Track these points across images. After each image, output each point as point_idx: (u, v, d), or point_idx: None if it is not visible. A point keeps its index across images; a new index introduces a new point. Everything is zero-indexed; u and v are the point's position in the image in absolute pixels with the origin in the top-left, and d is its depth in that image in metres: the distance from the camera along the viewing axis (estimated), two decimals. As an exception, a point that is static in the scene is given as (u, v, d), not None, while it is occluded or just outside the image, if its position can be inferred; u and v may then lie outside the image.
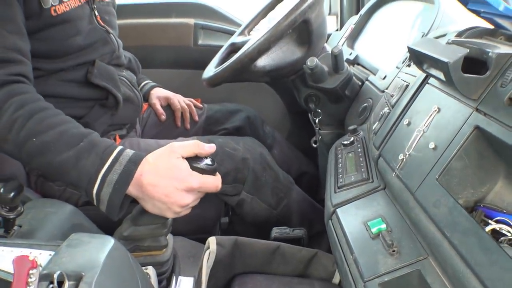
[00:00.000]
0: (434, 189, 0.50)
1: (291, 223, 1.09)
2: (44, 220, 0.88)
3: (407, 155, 0.58)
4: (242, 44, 1.20)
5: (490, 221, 0.46)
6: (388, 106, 0.74)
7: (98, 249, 0.57)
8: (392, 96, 0.75)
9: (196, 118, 1.28)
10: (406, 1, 1.24)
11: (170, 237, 0.84)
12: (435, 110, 0.55)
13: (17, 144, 0.75)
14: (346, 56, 1.29)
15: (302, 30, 0.97)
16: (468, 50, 0.49)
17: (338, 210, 0.68)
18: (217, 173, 0.75)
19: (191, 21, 1.54)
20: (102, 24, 1.04)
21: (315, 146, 1.15)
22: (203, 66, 1.32)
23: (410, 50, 0.57)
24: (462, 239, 0.43)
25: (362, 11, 1.39)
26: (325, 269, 0.80)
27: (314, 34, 1.00)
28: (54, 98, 0.92)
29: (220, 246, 0.75)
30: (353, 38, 1.37)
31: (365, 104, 1.01)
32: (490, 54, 0.49)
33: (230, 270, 0.79)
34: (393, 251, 0.54)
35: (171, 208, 0.72)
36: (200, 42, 1.55)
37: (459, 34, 0.59)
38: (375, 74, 1.10)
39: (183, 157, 0.72)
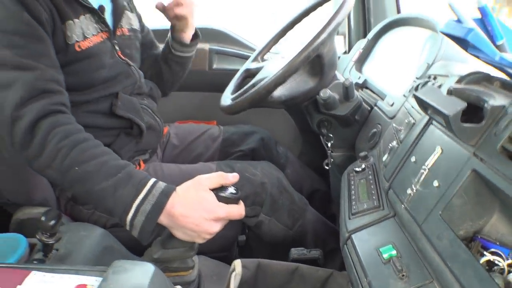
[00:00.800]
0: (437, 223, 0.59)
1: (306, 242, 1.17)
2: (79, 244, 0.97)
3: (414, 190, 0.67)
4: (256, 70, 1.30)
5: (485, 252, 0.54)
6: (396, 140, 0.83)
7: (142, 275, 0.66)
8: (400, 130, 0.84)
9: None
10: (411, 27, 1.33)
11: (195, 257, 0.93)
12: (439, 152, 0.64)
13: (61, 172, 0.84)
14: (355, 80, 1.38)
15: (315, 63, 1.07)
16: (466, 104, 0.57)
17: (352, 236, 0.77)
18: (241, 201, 0.84)
19: (206, 46, 1.64)
20: (123, 58, 1.13)
21: (327, 168, 1.24)
22: (218, 89, 1.42)
23: (416, 97, 0.66)
24: (461, 269, 0.52)
25: (370, 35, 1.48)
26: (341, 288, 0.89)
27: (326, 66, 1.09)
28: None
29: (245, 268, 0.84)
30: (361, 62, 1.46)
31: (374, 130, 1.10)
32: (485, 105, 0.58)
33: (253, 289, 0.87)
34: (403, 275, 0.63)
35: (201, 236, 0.81)
36: (214, 66, 1.66)
37: (460, 80, 0.68)
38: (383, 99, 1.18)
39: (209, 189, 0.82)
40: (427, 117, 0.74)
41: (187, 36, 1.31)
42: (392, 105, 1.10)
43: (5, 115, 0.86)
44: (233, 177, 0.84)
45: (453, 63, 0.91)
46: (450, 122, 0.56)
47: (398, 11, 1.58)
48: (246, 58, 1.64)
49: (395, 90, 1.17)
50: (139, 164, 1.17)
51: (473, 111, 0.62)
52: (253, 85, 1.19)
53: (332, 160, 1.23)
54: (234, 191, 0.85)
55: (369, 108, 1.20)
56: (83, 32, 1.00)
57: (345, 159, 1.24)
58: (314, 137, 1.48)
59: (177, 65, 1.34)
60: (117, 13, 1.13)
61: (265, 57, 1.41)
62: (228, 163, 1.19)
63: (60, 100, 0.90)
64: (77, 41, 0.99)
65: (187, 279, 0.89)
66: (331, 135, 1.19)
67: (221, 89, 1.35)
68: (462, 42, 0.69)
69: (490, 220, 0.60)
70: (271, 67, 1.19)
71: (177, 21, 1.26)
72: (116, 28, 1.12)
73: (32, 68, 0.88)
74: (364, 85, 1.35)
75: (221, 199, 0.83)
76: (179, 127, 1.43)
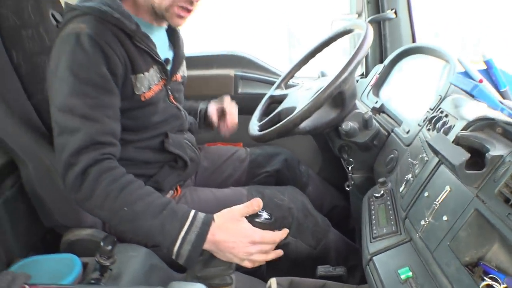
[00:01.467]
0: (446, 252, 0.72)
1: (329, 259, 1.30)
2: (129, 263, 1.12)
3: (427, 222, 0.80)
4: (280, 97, 1.44)
5: (485, 277, 0.67)
6: (412, 173, 0.96)
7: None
8: (415, 164, 0.97)
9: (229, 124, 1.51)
10: (427, 56, 1.45)
11: (232, 274, 1.07)
12: (448, 190, 0.77)
13: (111, 212, 0.99)
14: (372, 104, 1.51)
15: (337, 97, 1.20)
16: (469, 155, 0.70)
17: (374, 258, 0.90)
18: (280, 231, 0.99)
19: (232, 72, 1.79)
20: (174, 102, 1.28)
21: (348, 189, 1.37)
22: (243, 111, 1.56)
23: (429, 144, 0.79)
24: (465, 292, 0.65)
25: (386, 61, 1.60)
26: (363, 302, 1.02)
27: (347, 99, 1.22)
28: (130, 161, 1.16)
29: (280, 285, 0.98)
30: (378, 87, 1.59)
31: (391, 156, 1.23)
32: (487, 155, 0.70)
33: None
34: (418, 294, 0.76)
35: (239, 257, 0.96)
36: (240, 90, 1.80)
37: (466, 127, 0.81)
38: (399, 125, 1.31)
39: (243, 217, 0.97)
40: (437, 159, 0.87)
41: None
42: (408, 132, 1.22)
43: (63, 158, 1.00)
44: (258, 206, 0.99)
45: (463, 101, 1.03)
46: (456, 169, 0.69)
47: (414, 40, 1.70)
48: (269, 82, 1.78)
49: (411, 116, 1.29)
50: (176, 189, 1.31)
51: (477, 155, 0.75)
52: (279, 114, 1.33)
53: (352, 181, 1.36)
54: (268, 217, 0.99)
55: (386, 134, 1.33)
56: (149, 84, 1.15)
57: (364, 181, 1.37)
58: (333, 154, 1.61)
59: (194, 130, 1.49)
60: (177, 63, 1.29)
61: (289, 82, 1.55)
62: (257, 188, 1.33)
63: (111, 151, 1.04)
64: (143, 92, 1.13)
65: None
66: (351, 160, 1.33)
67: (246, 112, 1.49)
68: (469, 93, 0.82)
69: (492, 248, 0.72)
70: (296, 98, 1.33)
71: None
72: (172, 76, 1.27)
73: (96, 120, 1.02)
74: (381, 110, 1.47)
75: (256, 224, 0.97)
76: (209, 149, 1.57)
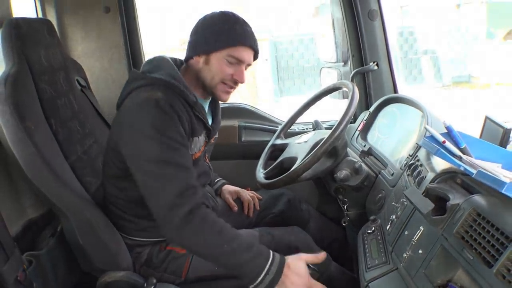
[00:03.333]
0: (422, 277, 1.00)
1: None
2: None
3: (408, 254, 1.08)
4: (281, 146, 1.73)
5: (452, 295, 0.95)
6: (395, 214, 1.25)
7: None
8: (397, 207, 1.26)
9: (258, 207, 1.81)
10: (406, 105, 1.76)
11: None
12: (421, 230, 1.06)
13: (213, 248, 1.28)
14: (361, 147, 1.81)
15: (331, 150, 1.49)
16: (433, 205, 0.99)
17: (369, 285, 1.18)
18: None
19: (236, 123, 2.09)
20: (207, 161, 1.57)
21: (344, 225, 1.65)
22: (248, 157, 1.86)
23: (406, 197, 1.08)
24: (436, 307, 0.93)
25: (371, 108, 1.91)
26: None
27: (339, 150, 1.52)
28: None
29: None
30: (365, 131, 1.89)
31: (380, 195, 1.52)
32: (447, 203, 0.99)
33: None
34: (405, 312, 1.03)
35: None
36: (243, 139, 2.10)
37: (434, 179, 1.10)
38: (385, 167, 1.60)
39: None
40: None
41: None
42: (392, 174, 1.51)
43: (165, 201, 1.27)
44: (322, 258, 1.35)
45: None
46: (425, 217, 0.98)
47: (395, 87, 2.02)
48: (269, 131, 2.08)
49: (394, 158, 1.59)
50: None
51: (443, 201, 1.03)
52: (282, 162, 1.62)
53: (348, 218, 1.64)
54: (315, 269, 1.33)
55: (374, 176, 1.62)
56: (199, 147, 1.46)
57: (358, 216, 1.66)
58: (329, 193, 1.89)
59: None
60: (216, 128, 1.60)
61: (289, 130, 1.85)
62: (267, 230, 1.60)
63: (202, 194, 1.35)
64: (195, 153, 1.44)
65: None
66: (346, 199, 1.61)
67: (251, 157, 1.78)
68: (434, 153, 1.12)
69: (457, 273, 1.00)
70: (296, 149, 1.62)
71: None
72: (211, 139, 1.57)
73: (187, 167, 1.32)
74: (369, 153, 1.77)
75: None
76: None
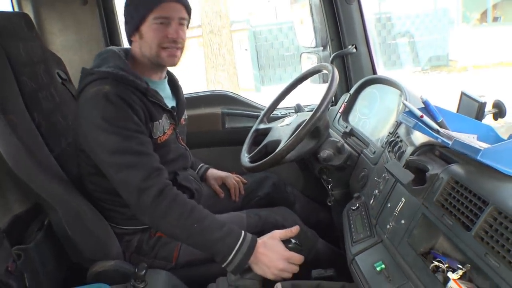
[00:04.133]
0: (406, 246, 1.04)
1: (320, 264, 1.61)
2: (155, 285, 1.39)
3: (391, 225, 1.12)
4: (265, 130, 1.76)
5: (433, 261, 0.99)
6: (378, 189, 1.29)
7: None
8: (379, 182, 1.29)
9: (243, 192, 1.84)
10: (383, 85, 1.80)
11: None
12: (403, 201, 1.10)
13: (183, 228, 1.31)
14: (343, 129, 1.85)
15: (314, 131, 1.52)
16: (414, 176, 1.03)
17: (356, 258, 1.22)
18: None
19: (219, 110, 2.10)
20: (182, 143, 1.58)
21: (330, 204, 1.69)
22: (232, 143, 1.88)
23: (387, 170, 1.12)
24: (419, 272, 0.97)
25: (351, 90, 1.95)
26: (351, 295, 1.33)
27: (322, 131, 1.55)
28: None
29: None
30: (346, 113, 1.93)
31: (363, 173, 1.56)
32: (427, 174, 1.03)
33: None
34: (390, 280, 1.07)
35: (271, 271, 1.29)
36: (227, 125, 2.12)
37: (414, 152, 1.14)
38: (367, 146, 1.64)
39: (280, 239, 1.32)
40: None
41: None
42: (374, 153, 1.55)
43: (132, 187, 1.31)
44: (295, 232, 1.35)
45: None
46: (405, 187, 1.02)
47: (374, 69, 2.06)
48: (252, 116, 2.11)
49: (375, 138, 1.63)
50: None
51: (423, 173, 1.07)
52: (266, 146, 1.65)
53: (333, 197, 1.68)
54: (297, 242, 1.35)
55: (357, 155, 1.66)
56: (163, 129, 1.47)
57: (343, 195, 1.69)
58: (313, 175, 1.93)
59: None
60: (181, 109, 1.62)
61: (270, 116, 1.88)
62: (254, 211, 1.63)
63: (167, 176, 1.37)
64: (159, 136, 1.46)
65: None
66: (330, 179, 1.65)
67: (235, 143, 1.80)
68: (412, 127, 1.16)
69: (438, 240, 1.04)
70: (279, 132, 1.65)
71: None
72: (179, 120, 1.58)
73: (147, 153, 1.35)
74: (351, 133, 1.81)
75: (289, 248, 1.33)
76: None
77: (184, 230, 1.31)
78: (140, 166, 1.31)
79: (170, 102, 1.57)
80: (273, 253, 1.29)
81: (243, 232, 1.32)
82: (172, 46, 1.44)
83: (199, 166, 1.88)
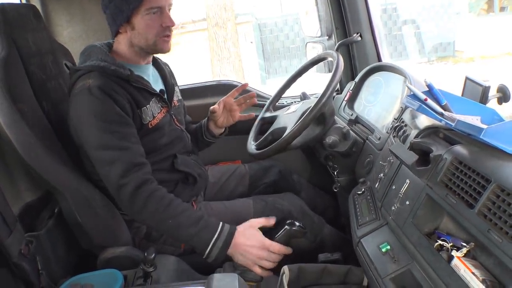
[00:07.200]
0: (411, 226, 1.06)
1: (326, 249, 1.63)
2: (164, 269, 1.43)
3: (396, 207, 1.14)
4: (271, 118, 1.78)
5: (438, 240, 1.01)
6: (383, 172, 1.30)
7: (233, 282, 1.12)
8: (384, 165, 1.31)
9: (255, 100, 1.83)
10: (388, 73, 1.81)
11: None
12: (408, 183, 1.11)
13: (159, 222, 1.35)
14: (348, 116, 1.86)
15: (319, 117, 1.54)
16: (418, 157, 1.05)
17: (361, 240, 1.24)
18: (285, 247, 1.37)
19: None
20: (178, 124, 1.60)
21: (336, 191, 1.71)
22: (238, 132, 1.90)
23: (391, 152, 1.14)
24: (424, 251, 0.99)
25: (357, 78, 1.96)
26: (357, 278, 1.35)
27: (327, 117, 1.57)
28: None
29: (291, 270, 1.30)
30: (352, 101, 1.94)
31: (368, 159, 1.57)
32: (431, 155, 1.05)
33: (297, 285, 1.33)
34: (395, 260, 1.09)
35: (251, 259, 1.33)
36: None
37: (418, 134, 1.16)
38: (372, 133, 1.66)
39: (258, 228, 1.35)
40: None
41: (220, 131, 1.84)
42: (379, 139, 1.57)
43: (112, 184, 1.36)
44: (271, 219, 1.40)
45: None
46: (410, 168, 1.04)
47: (379, 57, 2.06)
48: (258, 105, 2.12)
49: (381, 124, 1.64)
50: (192, 205, 1.63)
51: (426, 155, 1.09)
52: (272, 133, 1.67)
53: (339, 184, 1.70)
54: (302, 226, 1.41)
55: (362, 141, 1.68)
56: (153, 113, 1.48)
57: (348, 182, 1.71)
58: (319, 162, 1.95)
59: (203, 144, 1.85)
60: (170, 91, 1.63)
61: (276, 105, 1.89)
62: (261, 197, 1.66)
63: (148, 170, 1.39)
64: (149, 121, 1.47)
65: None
66: (336, 166, 1.67)
67: (241, 132, 1.82)
68: (416, 110, 1.17)
69: (443, 220, 1.06)
70: (284, 120, 1.67)
71: (222, 123, 1.80)
72: (172, 102, 1.59)
73: (127, 148, 1.36)
74: (356, 121, 1.83)
75: (292, 231, 1.40)
76: (213, 169, 1.90)
77: (160, 225, 1.38)
78: (120, 162, 1.35)
79: (159, 86, 1.60)
80: (252, 242, 1.35)
81: (220, 225, 1.37)
82: (167, 34, 1.48)
83: (199, 125, 1.86)
